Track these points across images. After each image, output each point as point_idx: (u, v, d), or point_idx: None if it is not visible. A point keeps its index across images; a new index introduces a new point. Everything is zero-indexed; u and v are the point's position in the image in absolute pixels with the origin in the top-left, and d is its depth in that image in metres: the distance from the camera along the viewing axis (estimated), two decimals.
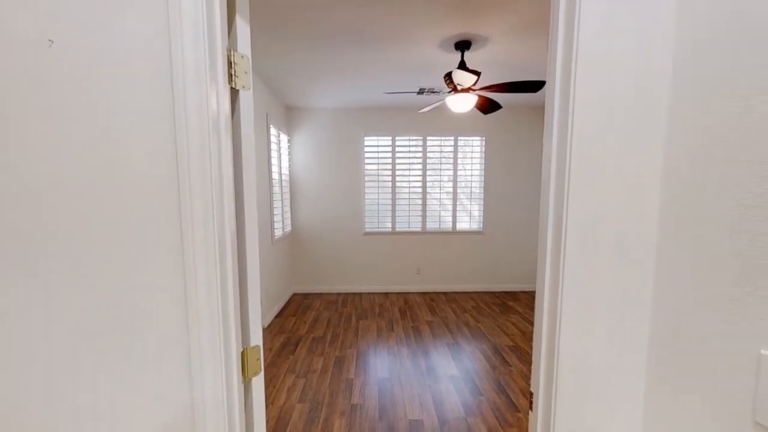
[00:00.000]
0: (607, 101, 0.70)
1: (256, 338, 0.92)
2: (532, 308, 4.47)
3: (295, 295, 5.03)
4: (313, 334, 3.67)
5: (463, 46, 2.73)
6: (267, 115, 3.87)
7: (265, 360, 3.08)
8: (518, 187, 5.08)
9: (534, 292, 5.10)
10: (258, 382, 0.92)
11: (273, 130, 4.10)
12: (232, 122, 0.82)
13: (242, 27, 0.82)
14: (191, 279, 0.73)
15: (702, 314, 0.63)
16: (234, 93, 0.81)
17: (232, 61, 0.77)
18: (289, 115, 4.83)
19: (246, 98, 0.84)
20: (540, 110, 4.94)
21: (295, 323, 3.97)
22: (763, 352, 0.52)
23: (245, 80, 0.82)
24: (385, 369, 2.94)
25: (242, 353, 0.86)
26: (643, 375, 0.76)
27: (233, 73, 0.77)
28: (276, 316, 4.18)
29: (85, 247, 0.71)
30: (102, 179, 0.70)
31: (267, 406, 2.45)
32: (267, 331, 3.76)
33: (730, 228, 0.58)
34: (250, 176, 0.88)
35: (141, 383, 0.75)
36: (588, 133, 0.71)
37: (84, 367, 0.73)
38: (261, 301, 3.60)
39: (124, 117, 0.69)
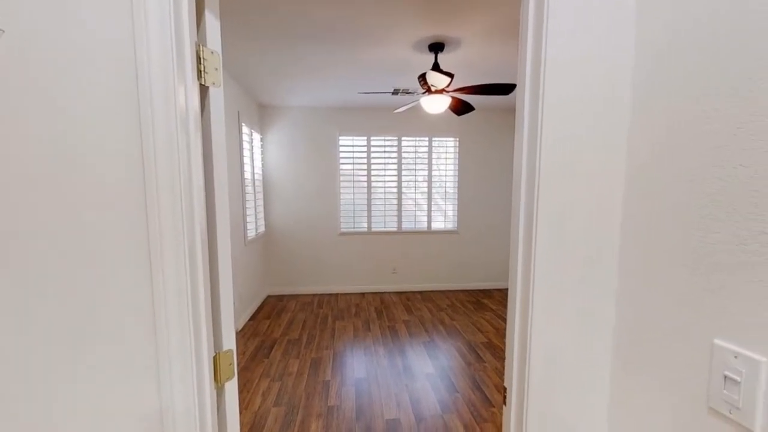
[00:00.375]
0: (574, 104, 0.73)
1: (229, 342, 0.90)
2: (505, 305, 4.59)
3: (269, 297, 4.94)
4: (288, 336, 3.61)
5: (436, 47, 2.77)
6: (239, 113, 3.78)
7: (238, 364, 3.00)
8: (491, 187, 5.20)
9: (507, 290, 5.23)
10: (231, 387, 0.90)
11: (245, 129, 4.00)
12: (202, 120, 0.79)
13: (212, 22, 0.79)
14: (159, 282, 0.70)
15: (661, 306, 0.66)
16: (204, 90, 0.79)
17: (201, 56, 0.75)
18: (262, 114, 4.73)
19: (216, 95, 0.81)
20: (511, 112, 5.08)
21: (269, 326, 3.89)
22: (716, 341, 0.56)
23: (215, 77, 0.79)
24: (362, 369, 2.93)
25: (214, 358, 0.83)
26: (608, 365, 0.80)
27: (202, 69, 0.75)
28: (250, 319, 4.08)
29: (44, 250, 0.66)
30: (63, 180, 0.66)
31: (241, 412, 2.39)
32: (240, 334, 3.66)
33: (685, 226, 0.61)
34: (222, 176, 0.85)
35: (105, 392, 0.71)
36: (557, 133, 0.74)
37: (42, 376, 0.69)
38: (234, 303, 3.51)
39: (85, 114, 0.65)
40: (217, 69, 0.80)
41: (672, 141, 0.64)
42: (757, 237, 0.50)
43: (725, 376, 0.54)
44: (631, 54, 0.72)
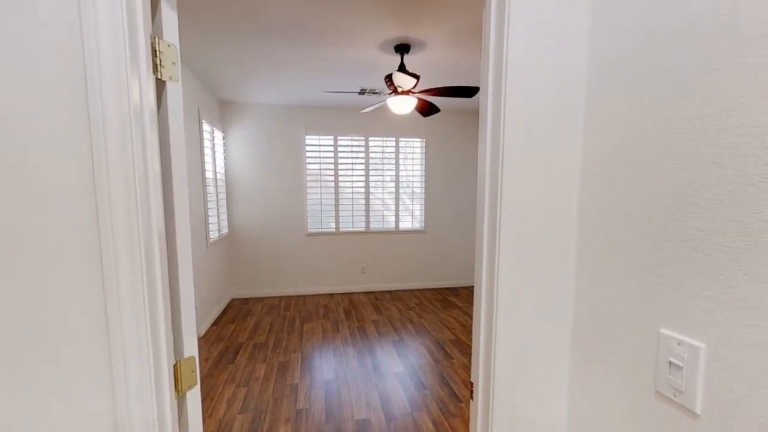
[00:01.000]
0: (535, 108, 0.76)
1: (191, 348, 0.86)
2: (471, 303, 4.71)
3: (233, 300, 4.78)
4: (254, 340, 3.51)
5: (402, 48, 2.79)
6: (199, 109, 3.62)
7: (201, 371, 2.88)
8: (457, 187, 5.32)
9: (473, 287, 5.38)
10: (193, 396, 0.86)
11: (206, 126, 3.85)
12: (159, 116, 0.76)
13: (168, 13, 0.76)
14: (112, 288, 0.66)
15: (614, 300, 0.70)
16: (160, 84, 0.75)
17: (157, 49, 0.71)
18: (224, 111, 4.57)
19: (174, 90, 0.78)
20: (474, 114, 5.21)
21: (234, 330, 3.77)
22: (662, 330, 0.60)
23: (173, 71, 0.76)
24: (331, 371, 2.91)
25: (175, 366, 0.80)
26: (568, 357, 0.84)
27: (158, 62, 0.71)
28: (213, 324, 3.93)
29: None
30: (4, 178, 0.60)
31: (204, 420, 2.29)
32: (203, 340, 3.52)
33: (634, 225, 0.65)
34: (181, 175, 0.81)
35: (52, 402, 0.66)
36: (519, 136, 0.76)
37: None
38: (195, 308, 3.36)
39: (27, 109, 0.60)
40: (174, 63, 0.76)
41: (621, 145, 0.68)
42: (697, 234, 0.54)
43: (670, 362, 0.59)
44: (585, 64, 0.76)
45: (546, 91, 0.76)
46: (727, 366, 0.51)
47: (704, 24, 0.53)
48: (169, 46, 0.74)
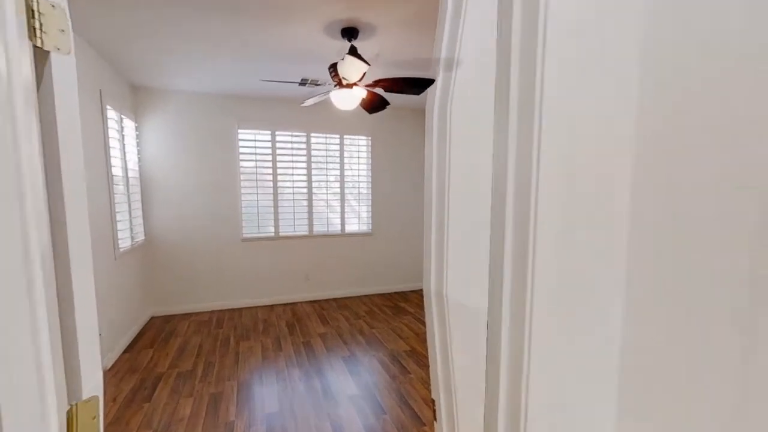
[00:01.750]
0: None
1: (93, 387, 0.75)
2: (422, 307, 4.75)
3: (153, 318, 4.41)
4: (178, 368, 3.24)
5: (350, 32, 2.75)
6: (101, 92, 3.28)
7: (107, 415, 2.59)
8: (404, 187, 5.40)
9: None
10: None
11: (112, 113, 3.50)
12: (40, 95, 0.64)
13: None
14: None
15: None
16: (42, 55, 0.64)
17: (35, 9, 0.60)
18: (138, 97, 4.20)
19: (62, 64, 0.67)
20: (420, 112, 5.33)
21: (152, 356, 3.46)
22: None
23: (60, 40, 0.65)
24: (274, 400, 2.76)
25: (69, 412, 0.69)
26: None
27: (38, 27, 0.60)
28: (125, 350, 3.58)
29: None
30: None
31: None
32: (111, 372, 3.18)
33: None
34: (74, 170, 0.70)
35: None
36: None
37: None
38: (100, 334, 3.03)
39: None
40: (63, 30, 0.65)
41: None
42: None
43: None
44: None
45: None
46: None
47: None
48: (53, 6, 0.63)
